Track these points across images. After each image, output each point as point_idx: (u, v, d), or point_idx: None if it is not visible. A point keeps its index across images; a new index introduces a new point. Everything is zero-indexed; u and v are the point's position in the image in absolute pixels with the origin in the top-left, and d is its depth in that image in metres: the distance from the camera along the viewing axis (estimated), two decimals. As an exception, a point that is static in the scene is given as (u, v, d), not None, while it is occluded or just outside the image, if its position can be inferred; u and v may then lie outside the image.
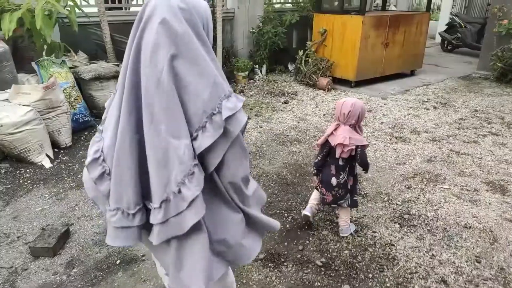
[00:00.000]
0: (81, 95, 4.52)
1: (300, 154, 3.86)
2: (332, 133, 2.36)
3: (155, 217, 1.13)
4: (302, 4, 7.35)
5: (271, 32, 6.68)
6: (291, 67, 7.38)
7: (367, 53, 6.18)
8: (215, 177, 1.21)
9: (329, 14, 6.38)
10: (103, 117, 1.31)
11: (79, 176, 3.34)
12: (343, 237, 2.57)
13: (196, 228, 1.15)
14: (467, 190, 3.19)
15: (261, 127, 4.60)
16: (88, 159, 1.23)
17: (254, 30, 6.93)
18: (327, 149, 2.44)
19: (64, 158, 3.65)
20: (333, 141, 2.35)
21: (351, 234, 2.58)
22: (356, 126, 2.36)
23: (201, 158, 1.15)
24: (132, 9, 6.29)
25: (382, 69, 6.59)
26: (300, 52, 6.59)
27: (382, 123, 4.74)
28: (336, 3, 6.52)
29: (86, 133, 4.21)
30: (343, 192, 2.45)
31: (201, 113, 1.09)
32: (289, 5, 8.09)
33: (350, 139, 2.29)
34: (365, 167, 2.45)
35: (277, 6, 7.76)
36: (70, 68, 4.54)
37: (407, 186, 3.24)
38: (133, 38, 1.13)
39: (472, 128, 4.60)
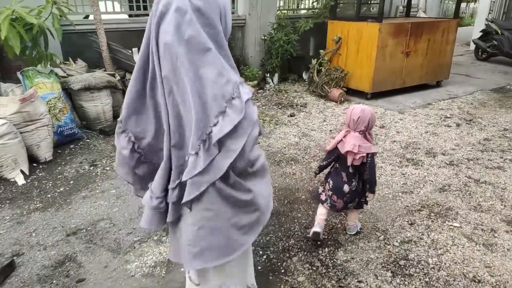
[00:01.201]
0: (72, 105, 4.35)
1: (293, 177, 3.47)
2: (341, 140, 2.34)
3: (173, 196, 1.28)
4: (317, 10, 6.93)
5: (282, 40, 6.32)
6: (305, 76, 6.98)
7: (385, 63, 5.69)
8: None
9: (344, 21, 5.94)
10: (122, 106, 1.34)
11: (49, 195, 3.11)
12: (351, 235, 2.62)
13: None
14: (482, 230, 2.69)
15: (258, 143, 4.23)
16: (124, 152, 1.32)
17: (265, 37, 6.60)
18: (335, 156, 2.43)
19: (40, 174, 3.45)
20: (342, 149, 2.32)
21: (357, 232, 2.64)
22: (366, 133, 2.32)
23: (220, 145, 1.16)
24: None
25: (402, 80, 6.06)
26: (314, 61, 6.19)
27: (394, 141, 4.26)
28: (351, 10, 6.07)
29: (72, 146, 4.01)
30: (353, 197, 2.45)
31: (220, 98, 1.10)
32: (304, 11, 7.70)
33: (359, 147, 2.25)
34: (371, 182, 2.39)
35: (290, 12, 7.38)
36: (64, 77, 4.38)
37: (410, 222, 2.78)
38: (148, 33, 1.19)
39: (499, 150, 4.03)
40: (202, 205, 1.24)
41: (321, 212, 2.55)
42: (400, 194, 3.17)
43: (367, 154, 2.29)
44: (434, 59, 6.32)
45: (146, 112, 1.28)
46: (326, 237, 2.61)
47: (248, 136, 1.18)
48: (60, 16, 4.03)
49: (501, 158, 3.85)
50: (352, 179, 2.41)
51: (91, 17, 5.72)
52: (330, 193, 2.47)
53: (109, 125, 4.42)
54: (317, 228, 2.49)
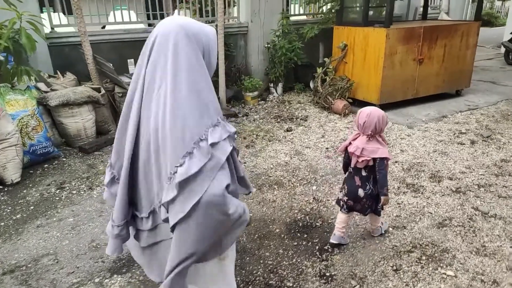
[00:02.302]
0: (52, 122, 4.17)
1: (272, 205, 3.10)
2: (350, 142, 2.36)
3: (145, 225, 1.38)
4: (323, 15, 6.51)
5: (285, 48, 5.95)
6: (312, 85, 6.57)
7: (394, 72, 5.21)
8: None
9: (350, 26, 5.50)
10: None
11: (2, 223, 2.90)
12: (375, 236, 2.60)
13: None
14: (482, 281, 2.23)
15: (244, 163, 3.89)
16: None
17: (269, 45, 6.26)
18: (346, 158, 2.46)
19: (1, 198, 3.25)
20: (349, 150, 2.36)
21: (381, 234, 2.63)
22: (376, 137, 2.29)
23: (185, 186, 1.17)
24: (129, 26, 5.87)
25: (415, 91, 5.55)
26: (319, 70, 5.78)
27: (396, 162, 3.80)
28: (358, 14, 5.61)
29: (46, 165, 3.81)
30: (371, 202, 2.42)
31: (188, 140, 1.12)
32: (310, 16, 7.28)
33: (362, 150, 2.27)
34: (380, 185, 2.34)
35: (294, 18, 6.98)
36: (46, 92, 4.22)
37: (395, 268, 2.35)
38: (140, 64, 1.28)
39: (517, 174, 3.50)
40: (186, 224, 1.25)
41: (340, 219, 2.53)
42: (390, 229, 2.74)
43: (374, 158, 2.28)
44: (452, 66, 5.76)
45: (124, 135, 1.34)
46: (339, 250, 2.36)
47: (213, 179, 1.17)
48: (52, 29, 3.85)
49: (519, 184, 3.33)
50: (366, 182, 2.38)
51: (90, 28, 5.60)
52: (346, 198, 2.46)
53: (90, 142, 4.21)
54: (333, 239, 2.53)
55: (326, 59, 5.75)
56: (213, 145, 1.14)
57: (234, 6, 6.38)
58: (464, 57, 5.85)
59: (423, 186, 3.32)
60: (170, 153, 1.16)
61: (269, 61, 6.36)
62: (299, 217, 2.93)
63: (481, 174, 3.52)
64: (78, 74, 4.97)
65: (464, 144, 4.21)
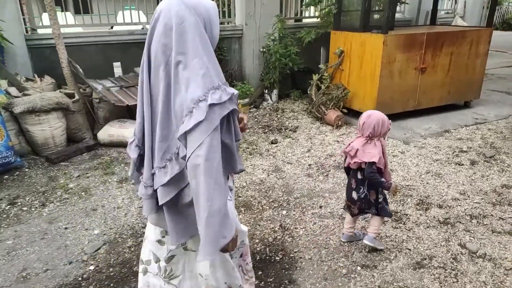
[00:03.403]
0: (19, 129, 3.97)
1: (232, 232, 2.78)
2: (349, 143, 2.38)
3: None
4: (320, 19, 6.15)
5: (278, 53, 5.62)
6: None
7: (393, 81, 4.81)
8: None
9: (347, 31, 5.13)
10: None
11: None
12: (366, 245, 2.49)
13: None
14: None
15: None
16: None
17: (264, 49, 5.94)
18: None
19: None
20: (345, 150, 2.39)
21: (373, 249, 2.51)
22: (374, 140, 2.29)
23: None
24: (115, 28, 5.67)
25: (417, 102, 5.12)
26: (315, 77, 5.43)
27: (382, 184, 3.42)
28: (355, 18, 5.23)
29: (6, 176, 3.61)
30: (367, 205, 2.41)
31: (190, 102, 1.20)
32: (308, 20, 6.91)
33: (357, 151, 2.29)
34: (381, 187, 2.36)
35: (291, 21, 6.63)
36: (16, 97, 4.02)
37: (353, 320, 2.01)
38: (147, 40, 1.33)
39: (518, 204, 3.08)
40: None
41: (347, 219, 2.60)
42: (358, 269, 2.38)
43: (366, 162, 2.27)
44: (459, 76, 5.31)
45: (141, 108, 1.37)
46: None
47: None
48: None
49: (519, 216, 2.91)
50: (361, 185, 2.39)
51: (76, 29, 5.42)
52: (346, 199, 2.54)
53: (58, 151, 3.99)
54: (343, 238, 2.63)
55: (321, 65, 5.39)
56: (211, 106, 1.20)
57: (225, 7, 6.06)
58: (473, 66, 5.39)
59: (407, 215, 2.94)
60: (175, 120, 1.28)
61: (264, 66, 6.04)
62: (258, 249, 2.61)
63: (476, 202, 3.11)
64: (59, 78, 4.77)
65: (462, 164, 3.79)
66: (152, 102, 1.32)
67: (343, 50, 5.16)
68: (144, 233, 1.72)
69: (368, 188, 2.38)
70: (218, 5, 5.40)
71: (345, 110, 5.13)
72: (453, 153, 4.06)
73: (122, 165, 3.87)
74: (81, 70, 4.28)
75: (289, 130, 4.86)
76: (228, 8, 6.09)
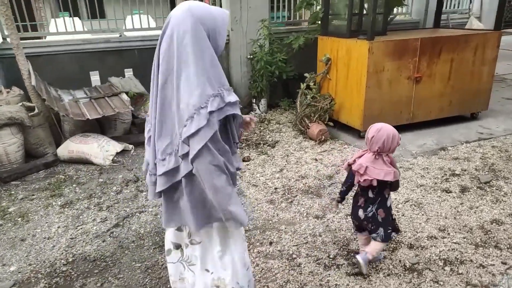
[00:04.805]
0: (-27, 145, 3.78)
1: (154, 274, 2.44)
2: (355, 160, 2.25)
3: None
4: (308, 23, 5.71)
5: (263, 60, 5.24)
6: (302, 101, 5.79)
7: (382, 92, 4.33)
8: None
9: (334, 37, 4.68)
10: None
11: None
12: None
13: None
14: None
15: (156, 214, 3.19)
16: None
17: (251, 56, 5.57)
18: (350, 178, 2.31)
19: None
20: (353, 168, 2.24)
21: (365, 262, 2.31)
22: (383, 156, 2.15)
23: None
24: (49, 38, 5.41)
25: (411, 114, 4.61)
26: (303, 86, 5.01)
27: (348, 215, 2.98)
28: (342, 23, 4.76)
29: (-51, 197, 3.42)
30: (374, 226, 2.27)
31: (191, 107, 1.32)
32: (303, 24, 6.46)
33: (366, 169, 2.15)
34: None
35: (277, 26, 6.19)
36: (-26, 111, 3.84)
37: None
38: (157, 45, 1.44)
39: (506, 247, 2.57)
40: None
41: (360, 242, 2.48)
42: (288, 330, 1.98)
43: (378, 180, 2.14)
44: (462, 85, 4.75)
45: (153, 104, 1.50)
46: None
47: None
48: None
49: (504, 264, 2.41)
50: (370, 204, 2.26)
51: (75, 36, 5.25)
52: (351, 217, 2.42)
53: (11, 169, 3.78)
54: (359, 259, 2.32)
55: (306, 74, 4.96)
56: (211, 112, 1.31)
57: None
58: (479, 74, 4.81)
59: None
60: (178, 122, 1.39)
61: (252, 75, 5.68)
62: (182, 297, 2.25)
63: (455, 242, 2.63)
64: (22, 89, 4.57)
65: (450, 192, 3.29)
66: (160, 103, 1.43)
67: (330, 57, 4.72)
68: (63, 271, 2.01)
69: (377, 207, 2.25)
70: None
71: (331, 124, 4.69)
72: (443, 176, 3.55)
73: (74, 185, 3.61)
74: (34, 83, 4.04)
75: (268, 145, 4.47)
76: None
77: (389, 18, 5.86)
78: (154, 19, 6.08)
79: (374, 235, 2.28)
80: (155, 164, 1.50)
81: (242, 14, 5.53)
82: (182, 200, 1.50)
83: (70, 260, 2.58)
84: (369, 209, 2.25)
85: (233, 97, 1.38)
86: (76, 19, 6.44)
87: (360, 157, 2.23)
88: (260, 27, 5.36)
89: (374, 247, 2.31)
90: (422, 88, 4.52)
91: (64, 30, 5.50)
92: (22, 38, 5.03)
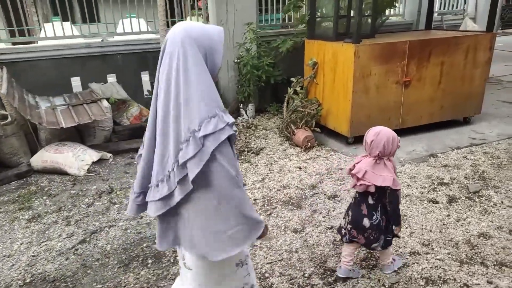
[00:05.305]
0: None
1: (123, 296, 2.29)
2: (354, 164, 2.16)
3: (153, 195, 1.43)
4: (294, 26, 5.57)
5: (249, 64, 5.09)
6: (290, 106, 5.63)
7: (369, 97, 4.18)
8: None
9: (320, 40, 4.53)
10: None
11: None
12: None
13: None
14: None
15: (126, 229, 3.03)
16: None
17: (238, 60, 5.43)
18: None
19: None
20: (352, 172, 2.17)
21: (394, 271, 2.32)
22: (384, 160, 2.07)
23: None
24: (40, 43, 5.27)
25: (400, 120, 4.45)
26: (290, 90, 4.86)
27: (328, 229, 2.82)
28: (329, 26, 4.60)
29: None
30: (377, 234, 2.16)
31: (187, 130, 1.31)
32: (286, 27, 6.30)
33: (365, 173, 2.06)
34: (394, 215, 2.15)
35: (264, 30, 6.02)
36: None
37: None
38: (158, 65, 1.41)
39: (493, 264, 2.40)
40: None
41: (346, 251, 2.32)
42: None
43: (378, 187, 2.06)
44: (454, 88, 4.59)
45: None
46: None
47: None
48: None
49: (490, 283, 2.24)
50: (373, 211, 2.16)
51: (67, 41, 5.13)
52: (349, 227, 2.24)
53: (-20, 180, 3.64)
54: (339, 273, 2.32)
55: (293, 78, 4.81)
56: (206, 136, 1.29)
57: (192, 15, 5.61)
58: (471, 77, 4.65)
59: (332, 284, 2.34)
60: (173, 143, 1.36)
61: (239, 79, 5.53)
62: (141, 322, 2.09)
63: (439, 259, 2.46)
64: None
65: (437, 202, 3.12)
66: (157, 123, 1.41)
67: (317, 61, 4.56)
68: None
69: (381, 214, 2.15)
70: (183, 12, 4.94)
71: (318, 129, 4.53)
72: (430, 186, 3.39)
73: (45, 197, 3.46)
74: (3, 91, 3.89)
75: (252, 153, 4.31)
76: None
77: (380, 20, 5.73)
78: (146, 22, 5.96)
79: (375, 245, 2.19)
80: (148, 187, 1.46)
81: (229, 17, 5.40)
82: (183, 219, 1.42)
83: (28, 280, 2.43)
84: (374, 217, 2.15)
85: (230, 118, 1.36)
86: (68, 23, 6.27)
87: (358, 162, 2.15)
88: (246, 30, 5.21)
89: (384, 257, 2.33)
90: (411, 92, 4.36)
91: (54, 35, 5.34)
92: (14, 43, 4.96)
